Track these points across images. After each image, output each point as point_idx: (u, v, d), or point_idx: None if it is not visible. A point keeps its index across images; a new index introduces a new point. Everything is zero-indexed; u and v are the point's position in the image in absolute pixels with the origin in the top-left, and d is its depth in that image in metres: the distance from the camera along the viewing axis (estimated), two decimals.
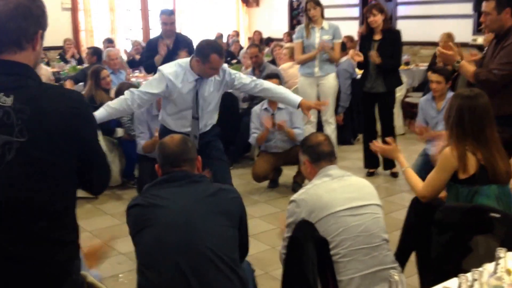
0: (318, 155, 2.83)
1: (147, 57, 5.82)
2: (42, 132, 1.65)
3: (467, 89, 3.01)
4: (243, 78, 3.98)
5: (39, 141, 1.65)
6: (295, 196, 2.75)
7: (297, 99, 3.98)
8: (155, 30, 12.09)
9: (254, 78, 4.08)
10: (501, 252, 1.69)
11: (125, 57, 9.09)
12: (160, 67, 3.88)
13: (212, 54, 3.64)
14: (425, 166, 5.36)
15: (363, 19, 10.13)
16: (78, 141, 1.73)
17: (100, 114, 3.66)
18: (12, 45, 1.68)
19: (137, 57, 9.23)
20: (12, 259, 1.66)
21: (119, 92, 5.63)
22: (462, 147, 2.78)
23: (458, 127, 2.82)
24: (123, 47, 10.59)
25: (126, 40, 11.49)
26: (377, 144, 3.41)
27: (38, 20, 1.72)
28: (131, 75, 7.68)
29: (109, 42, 9.09)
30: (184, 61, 3.88)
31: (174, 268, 2.23)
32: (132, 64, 8.88)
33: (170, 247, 2.26)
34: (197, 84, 3.80)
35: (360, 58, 5.45)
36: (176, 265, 2.23)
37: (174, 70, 3.79)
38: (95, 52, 7.60)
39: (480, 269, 1.64)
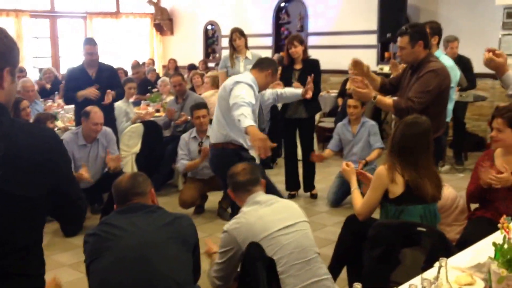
0: (235, 185, 3.03)
1: (70, 87, 5.69)
2: (16, 168, 1.66)
3: (411, 115, 3.22)
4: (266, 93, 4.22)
5: (13, 177, 1.65)
6: (227, 227, 2.89)
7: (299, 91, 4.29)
8: (65, 58, 11.85)
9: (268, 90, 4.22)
10: (442, 261, 1.88)
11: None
12: (239, 79, 3.86)
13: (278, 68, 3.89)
14: (341, 187, 5.69)
15: (276, 48, 10.57)
16: (51, 177, 1.75)
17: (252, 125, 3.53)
18: None
19: (48, 86, 9.02)
20: None
21: (37, 122, 5.49)
22: (393, 166, 3.02)
23: (394, 149, 3.06)
24: (31, 76, 10.26)
25: (34, 68, 11.15)
26: (345, 166, 3.50)
27: (4, 56, 1.68)
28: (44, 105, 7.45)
29: (20, 71, 8.75)
30: (247, 74, 4.00)
31: None
32: (44, 93, 8.65)
33: (128, 275, 2.31)
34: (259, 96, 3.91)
35: (280, 87, 5.66)
36: None
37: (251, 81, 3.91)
38: None
39: (428, 277, 1.81)
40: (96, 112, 4.96)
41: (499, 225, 2.10)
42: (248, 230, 2.81)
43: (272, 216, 2.86)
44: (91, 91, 5.49)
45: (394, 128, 3.17)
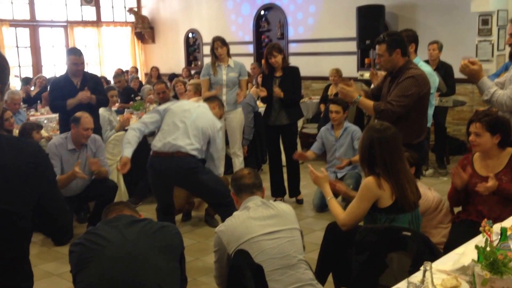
0: (239, 187, 3.11)
1: (56, 97, 5.65)
2: (2, 184, 1.67)
3: (378, 122, 3.22)
4: None
5: None
6: (217, 228, 3.00)
7: None
8: (47, 67, 11.78)
9: None
10: (427, 265, 1.94)
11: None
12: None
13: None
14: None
15: (257, 55, 10.64)
16: (37, 191, 1.77)
17: None
18: None
19: (34, 92, 9.03)
20: None
21: (23, 132, 5.49)
22: (379, 177, 3.00)
23: (370, 159, 3.03)
24: (12, 86, 10.20)
25: (15, 77, 11.07)
26: (312, 173, 3.37)
27: None
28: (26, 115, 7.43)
29: None
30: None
31: None
32: (28, 100, 8.63)
33: (115, 284, 2.33)
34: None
35: (264, 93, 5.75)
36: None
37: None
38: None
39: (413, 281, 1.87)
40: (86, 117, 4.96)
41: (481, 229, 2.17)
42: (231, 234, 2.88)
43: (258, 221, 2.90)
44: (82, 95, 5.47)
45: (361, 137, 3.13)
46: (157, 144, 4.33)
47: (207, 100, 4.78)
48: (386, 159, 2.97)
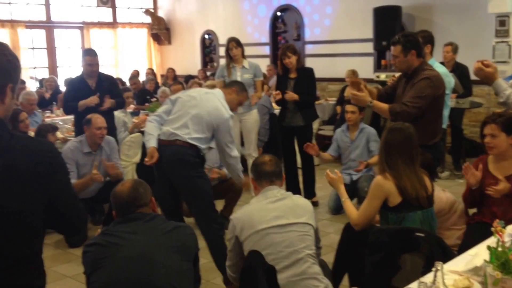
0: (259, 174, 3.08)
1: (70, 98, 5.71)
2: (14, 184, 1.68)
3: (398, 122, 3.30)
4: None
5: (10, 192, 1.68)
6: (232, 215, 3.03)
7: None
8: (63, 68, 11.89)
9: None
10: (438, 265, 1.93)
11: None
12: None
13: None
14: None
15: (274, 56, 10.64)
16: (49, 191, 1.77)
17: None
18: None
19: (47, 95, 9.10)
20: None
21: (38, 134, 5.54)
22: (386, 175, 3.07)
23: (380, 157, 3.16)
24: (29, 87, 10.32)
25: (30, 79, 11.20)
26: (327, 175, 3.48)
27: (8, 73, 1.72)
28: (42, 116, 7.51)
29: (21, 83, 8.83)
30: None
31: None
32: (42, 103, 8.71)
33: (129, 284, 2.33)
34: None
35: (279, 96, 5.74)
36: None
37: None
38: None
39: (425, 281, 1.86)
40: (97, 118, 5.00)
41: (493, 229, 2.15)
42: (245, 220, 2.89)
43: (271, 212, 2.91)
44: (91, 99, 5.52)
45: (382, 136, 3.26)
46: (160, 132, 4.07)
47: (227, 85, 4.44)
48: (388, 157, 3.11)
